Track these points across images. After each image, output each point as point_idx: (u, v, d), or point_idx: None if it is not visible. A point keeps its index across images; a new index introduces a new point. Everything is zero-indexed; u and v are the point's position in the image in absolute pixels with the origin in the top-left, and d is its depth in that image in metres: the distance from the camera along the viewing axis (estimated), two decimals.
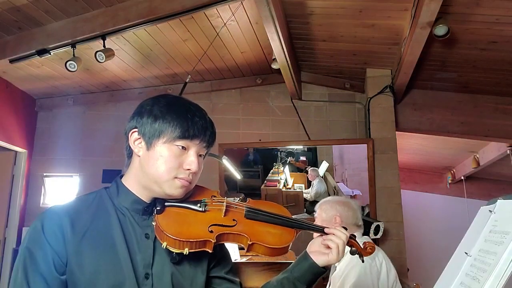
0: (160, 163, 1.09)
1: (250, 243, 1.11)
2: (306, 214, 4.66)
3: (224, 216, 1.14)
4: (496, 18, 3.16)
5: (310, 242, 1.25)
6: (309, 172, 4.76)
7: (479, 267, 0.94)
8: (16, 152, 4.64)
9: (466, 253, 1.03)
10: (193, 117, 1.11)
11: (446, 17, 3.16)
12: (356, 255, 1.26)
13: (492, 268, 0.88)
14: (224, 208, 1.15)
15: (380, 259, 2.08)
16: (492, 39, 3.48)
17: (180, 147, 1.09)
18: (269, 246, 1.13)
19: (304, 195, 4.76)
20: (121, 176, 1.18)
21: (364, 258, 2.01)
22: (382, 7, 3.34)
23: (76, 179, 4.76)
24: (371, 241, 1.30)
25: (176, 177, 1.09)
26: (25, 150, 4.69)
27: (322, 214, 2.23)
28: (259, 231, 1.15)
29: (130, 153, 1.16)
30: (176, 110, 1.11)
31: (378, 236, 3.94)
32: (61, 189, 4.72)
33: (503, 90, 4.34)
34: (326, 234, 1.21)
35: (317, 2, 3.42)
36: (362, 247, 1.26)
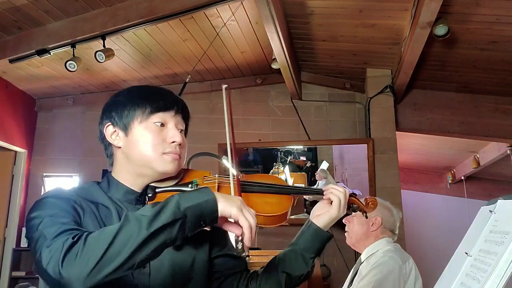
0: (142, 144, 1.07)
1: None
2: (306, 214, 4.65)
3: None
4: (496, 18, 3.16)
5: (312, 210, 1.24)
6: (317, 172, 4.74)
7: (480, 267, 0.94)
8: (16, 152, 4.64)
9: (466, 253, 1.03)
10: (160, 91, 1.12)
11: (446, 17, 3.16)
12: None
13: (493, 268, 0.87)
14: (217, 185, 1.13)
15: (410, 264, 2.09)
16: (492, 39, 3.48)
17: (158, 124, 1.08)
18: (268, 214, 1.12)
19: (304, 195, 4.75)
20: (110, 172, 1.17)
21: (396, 260, 2.03)
22: (382, 7, 3.35)
23: (76, 179, 4.76)
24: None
25: (163, 153, 1.08)
26: (25, 150, 4.69)
27: None
28: (255, 203, 1.13)
29: (110, 153, 1.15)
30: (141, 91, 1.13)
31: None
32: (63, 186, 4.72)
33: (503, 90, 4.34)
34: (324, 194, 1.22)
35: (317, 2, 3.42)
36: (363, 203, 1.25)
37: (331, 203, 1.19)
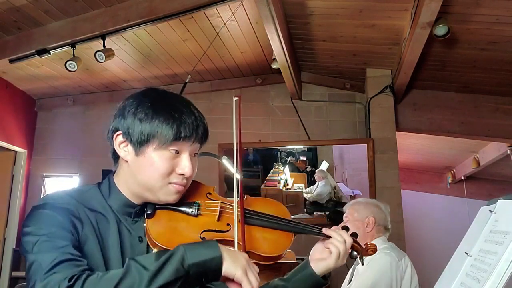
0: (153, 171, 1.02)
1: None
2: (306, 214, 4.65)
3: (218, 220, 1.08)
4: (496, 18, 3.16)
5: (312, 249, 1.21)
6: (316, 173, 4.75)
7: (480, 267, 0.94)
8: (16, 152, 4.64)
9: (466, 253, 1.03)
10: (181, 115, 1.03)
11: (446, 17, 3.16)
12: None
13: (493, 268, 0.87)
14: (218, 211, 1.08)
15: (406, 261, 2.13)
16: (492, 39, 3.48)
17: (173, 152, 1.03)
18: (264, 255, 1.08)
19: (304, 195, 4.75)
20: (114, 173, 1.12)
21: (392, 256, 2.05)
22: (382, 7, 3.34)
23: (76, 179, 4.76)
24: (375, 245, 1.26)
25: (170, 183, 1.04)
26: (25, 150, 4.69)
27: (354, 213, 2.25)
28: (254, 238, 1.09)
29: (116, 157, 1.10)
30: (163, 111, 1.03)
31: None
32: (61, 189, 4.72)
33: (503, 90, 4.34)
34: (327, 236, 1.18)
35: (317, 2, 3.42)
36: (363, 247, 1.22)
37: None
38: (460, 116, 4.55)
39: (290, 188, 4.82)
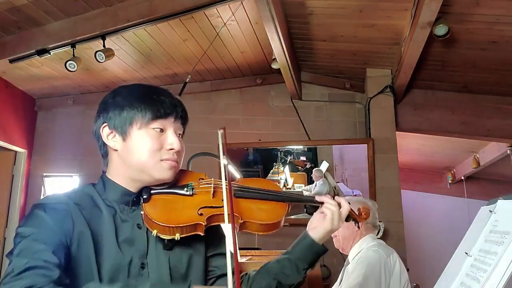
0: (141, 150, 1.07)
1: (241, 221, 1.10)
2: (306, 214, 4.65)
3: (213, 197, 1.13)
4: (496, 18, 3.16)
5: (309, 221, 1.24)
6: (313, 173, 4.75)
7: (479, 267, 0.94)
8: (16, 152, 4.64)
9: (466, 253, 1.03)
10: (159, 96, 1.10)
11: (446, 17, 3.16)
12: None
13: (493, 268, 0.88)
14: (212, 189, 1.14)
15: (394, 258, 2.15)
16: (492, 39, 3.48)
17: (158, 130, 1.08)
18: (261, 222, 1.12)
19: (304, 193, 4.75)
20: (105, 172, 1.16)
21: (380, 254, 2.06)
22: (382, 7, 3.35)
23: (76, 179, 4.76)
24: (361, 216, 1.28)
25: (161, 159, 1.08)
26: (25, 150, 4.69)
27: None
28: (249, 209, 1.13)
29: (105, 152, 1.15)
30: (140, 94, 1.10)
31: (378, 236, 3.94)
32: (61, 189, 4.72)
33: (503, 90, 4.34)
34: (320, 203, 1.21)
35: (317, 2, 3.42)
36: (356, 213, 1.26)
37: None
38: (460, 116, 4.55)
39: (290, 188, 4.82)
